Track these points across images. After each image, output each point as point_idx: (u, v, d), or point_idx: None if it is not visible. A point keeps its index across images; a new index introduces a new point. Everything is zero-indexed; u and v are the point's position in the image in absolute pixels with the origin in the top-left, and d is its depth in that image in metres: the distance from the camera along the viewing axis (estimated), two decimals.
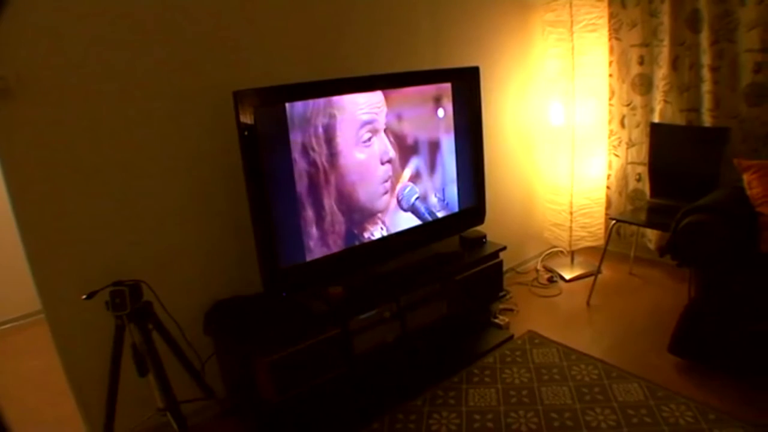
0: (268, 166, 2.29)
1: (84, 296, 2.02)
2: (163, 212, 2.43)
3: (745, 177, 2.78)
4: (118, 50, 2.20)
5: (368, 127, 2.56)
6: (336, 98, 2.44)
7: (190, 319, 2.49)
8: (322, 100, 2.40)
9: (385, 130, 2.64)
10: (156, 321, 2.17)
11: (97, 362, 2.19)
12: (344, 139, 2.49)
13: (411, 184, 2.82)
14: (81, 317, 2.22)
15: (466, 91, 2.99)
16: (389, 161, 2.68)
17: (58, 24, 2.05)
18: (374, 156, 2.62)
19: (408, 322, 2.78)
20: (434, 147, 2.90)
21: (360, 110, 2.52)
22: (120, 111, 2.25)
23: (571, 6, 3.52)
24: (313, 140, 2.40)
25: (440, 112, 2.88)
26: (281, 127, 2.31)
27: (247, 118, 2.19)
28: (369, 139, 2.57)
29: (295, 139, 2.35)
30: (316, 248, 2.52)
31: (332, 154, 2.47)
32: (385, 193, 2.72)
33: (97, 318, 2.09)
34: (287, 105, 2.31)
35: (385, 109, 2.62)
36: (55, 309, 2.21)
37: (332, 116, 2.44)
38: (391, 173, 2.71)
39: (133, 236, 2.36)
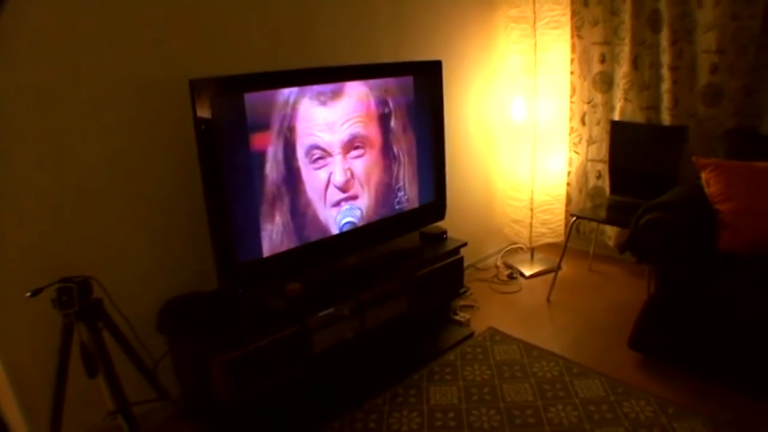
0: (225, 159, 2.20)
1: (28, 293, 1.90)
2: (115, 205, 2.33)
3: (703, 175, 2.82)
4: (64, 35, 2.09)
5: (318, 152, 2.51)
6: (294, 108, 2.38)
7: (142, 317, 2.39)
8: (283, 102, 2.34)
9: (341, 153, 2.60)
10: (106, 319, 2.06)
11: (42, 363, 2.07)
12: (300, 153, 2.45)
13: (351, 203, 2.73)
14: (24, 315, 2.10)
15: (428, 85, 2.94)
16: (341, 186, 2.64)
17: None
18: (325, 175, 2.58)
19: (368, 319, 2.73)
20: (393, 142, 2.85)
21: (314, 130, 2.47)
22: (69, 99, 2.14)
23: (534, 3, 3.52)
24: (271, 136, 2.33)
25: (392, 116, 2.83)
26: (239, 118, 2.23)
27: (204, 110, 2.10)
28: (321, 158, 2.53)
29: (253, 132, 2.28)
30: (273, 243, 2.45)
31: (290, 156, 2.41)
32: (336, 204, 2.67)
33: (43, 316, 1.98)
34: (246, 96, 2.23)
35: (344, 129, 2.58)
36: None
37: (292, 117, 2.38)
38: (342, 195, 2.66)
39: (82, 230, 2.25)
